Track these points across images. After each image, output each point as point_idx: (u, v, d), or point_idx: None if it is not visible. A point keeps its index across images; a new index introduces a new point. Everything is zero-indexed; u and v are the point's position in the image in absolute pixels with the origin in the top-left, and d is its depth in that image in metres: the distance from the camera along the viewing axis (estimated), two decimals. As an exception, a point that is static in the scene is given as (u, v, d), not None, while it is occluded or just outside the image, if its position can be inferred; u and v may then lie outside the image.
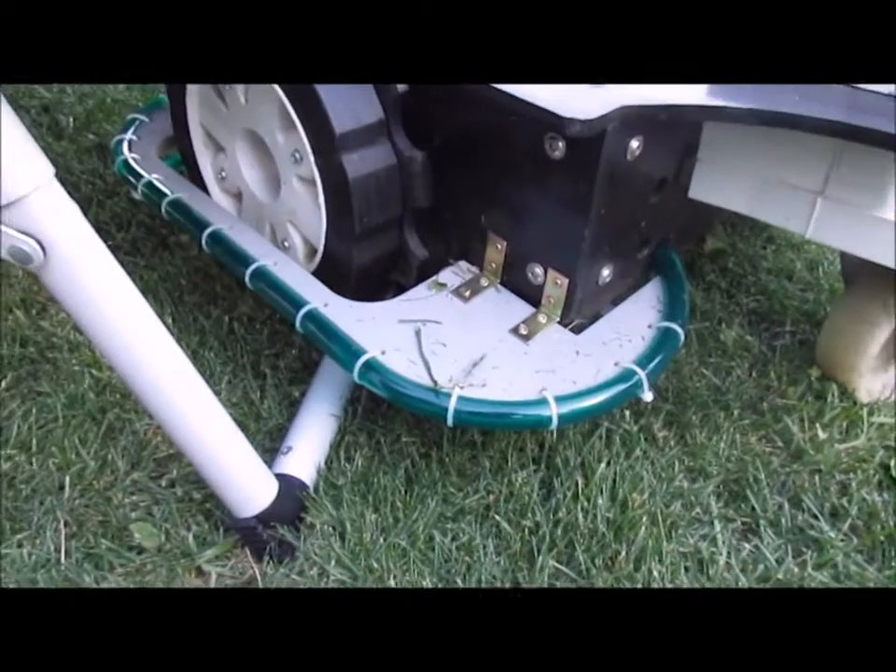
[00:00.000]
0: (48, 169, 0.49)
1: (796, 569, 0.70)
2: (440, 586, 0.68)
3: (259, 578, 0.70)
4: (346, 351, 0.68)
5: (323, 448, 0.78)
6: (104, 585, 0.68)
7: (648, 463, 0.79)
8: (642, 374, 0.67)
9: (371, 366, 0.66)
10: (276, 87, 0.73)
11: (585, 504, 0.74)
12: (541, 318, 0.74)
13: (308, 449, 0.76)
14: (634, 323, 0.75)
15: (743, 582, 0.69)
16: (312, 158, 0.74)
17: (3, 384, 0.86)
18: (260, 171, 0.88)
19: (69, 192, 0.51)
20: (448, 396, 0.64)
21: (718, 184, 0.73)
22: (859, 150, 0.61)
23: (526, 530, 0.72)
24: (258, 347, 0.92)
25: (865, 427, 0.83)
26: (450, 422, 0.64)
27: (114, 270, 0.53)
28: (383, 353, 0.68)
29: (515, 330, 0.72)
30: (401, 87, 0.71)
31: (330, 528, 0.72)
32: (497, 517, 0.73)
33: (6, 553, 0.70)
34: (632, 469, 0.77)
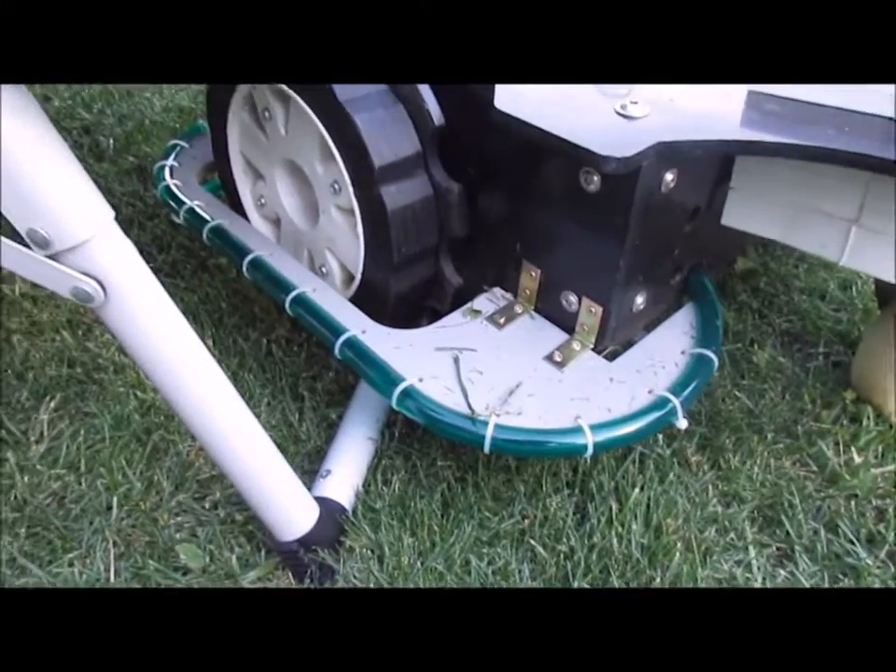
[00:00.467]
0: (108, 213, 0.51)
1: (832, 597, 0.70)
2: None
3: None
4: (385, 378, 0.70)
5: (361, 471, 0.80)
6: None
7: (682, 488, 0.79)
8: (676, 402, 0.68)
9: (409, 393, 0.68)
10: (316, 119, 0.75)
11: (619, 529, 0.74)
12: (575, 345, 0.75)
13: (346, 472, 0.78)
14: (667, 349, 0.75)
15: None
16: (351, 189, 0.76)
17: (52, 404, 0.90)
18: (299, 199, 0.90)
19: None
20: (485, 424, 0.65)
21: (751, 211, 0.74)
22: (893, 180, 0.62)
23: (561, 555, 0.73)
24: (295, 370, 0.94)
25: (901, 452, 0.83)
26: (487, 449, 0.65)
27: (168, 307, 0.56)
28: (420, 380, 0.69)
29: (550, 357, 0.73)
30: (438, 121, 0.73)
31: (369, 552, 0.73)
32: (532, 541, 0.74)
33: (57, 571, 0.73)
34: (666, 493, 0.78)
